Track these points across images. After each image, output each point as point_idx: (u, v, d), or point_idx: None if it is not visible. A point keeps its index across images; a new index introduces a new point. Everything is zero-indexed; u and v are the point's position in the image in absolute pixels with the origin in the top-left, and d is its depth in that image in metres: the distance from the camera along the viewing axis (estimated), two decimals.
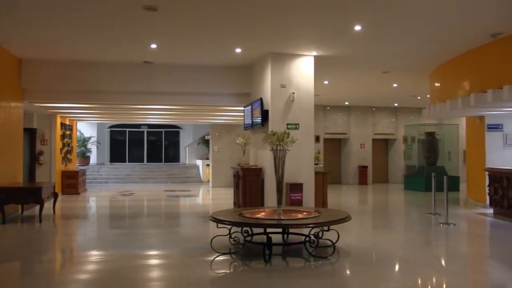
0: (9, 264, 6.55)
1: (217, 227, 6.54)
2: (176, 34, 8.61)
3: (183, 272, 5.80)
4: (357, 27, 8.02)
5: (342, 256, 6.41)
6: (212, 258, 6.22)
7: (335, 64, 10.90)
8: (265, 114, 9.93)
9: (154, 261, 6.54)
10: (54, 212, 10.58)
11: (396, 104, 19.85)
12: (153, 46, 9.32)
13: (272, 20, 7.69)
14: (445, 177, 9.35)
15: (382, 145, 21.15)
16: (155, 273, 5.89)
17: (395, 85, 14.13)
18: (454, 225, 8.88)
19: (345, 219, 6.54)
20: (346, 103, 19.46)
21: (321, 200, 10.53)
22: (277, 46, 9.42)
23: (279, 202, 6.84)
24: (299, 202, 9.48)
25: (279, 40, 9.00)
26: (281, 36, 8.71)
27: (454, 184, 15.32)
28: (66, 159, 15.97)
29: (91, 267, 6.21)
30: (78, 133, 19.80)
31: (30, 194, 9.61)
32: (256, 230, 6.60)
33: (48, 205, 10.28)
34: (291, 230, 7.05)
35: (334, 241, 6.54)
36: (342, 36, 8.69)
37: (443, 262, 6.56)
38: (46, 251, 7.50)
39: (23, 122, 11.05)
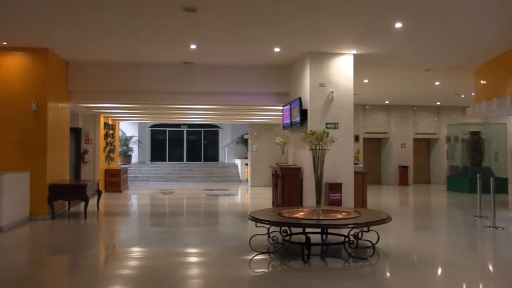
0: (59, 257, 6.89)
1: (256, 226, 6.56)
2: (215, 34, 8.68)
3: (222, 271, 5.84)
4: (398, 24, 7.86)
5: (382, 257, 6.31)
6: (250, 257, 6.24)
7: (375, 62, 10.73)
8: (304, 114, 9.88)
9: (193, 259, 6.62)
10: (98, 209, 10.88)
11: (438, 103, 19.37)
12: (193, 46, 9.43)
13: (311, 18, 7.64)
14: (491, 178, 9.05)
15: (424, 145, 20.70)
16: (194, 271, 5.96)
17: (437, 83, 13.79)
18: (503, 228, 8.52)
19: (385, 220, 6.43)
20: (386, 102, 19.14)
21: (360, 201, 10.40)
22: (316, 45, 9.36)
23: (318, 202, 6.80)
24: (338, 202, 9.39)
25: (318, 39, 8.93)
26: (320, 35, 8.65)
27: (501, 185, 14.77)
28: (109, 158, 16.36)
29: (133, 263, 6.35)
30: (120, 132, 20.24)
31: (76, 191, 9.94)
32: (294, 229, 6.58)
33: (92, 202, 10.56)
34: (330, 230, 7.00)
35: (374, 242, 6.45)
36: (382, 34, 8.55)
37: (490, 267, 6.35)
38: (91, 246, 7.72)
39: (70, 122, 11.39)
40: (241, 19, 7.71)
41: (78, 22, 7.85)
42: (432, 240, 8.05)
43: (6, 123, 9.29)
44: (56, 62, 10.11)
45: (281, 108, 11.55)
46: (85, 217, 9.75)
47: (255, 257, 6.25)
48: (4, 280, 5.47)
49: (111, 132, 16.74)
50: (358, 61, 10.06)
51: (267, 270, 5.90)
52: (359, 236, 6.31)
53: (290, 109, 10.57)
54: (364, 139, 19.49)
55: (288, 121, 10.77)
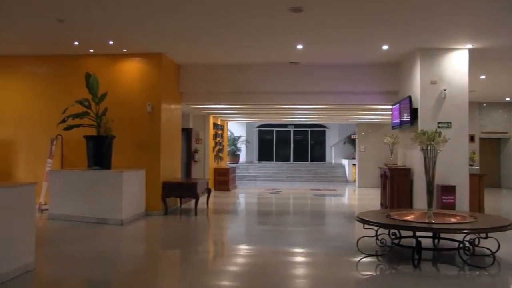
0: (171, 251, 7.31)
1: (364, 228, 6.43)
2: (321, 34, 8.64)
3: (328, 271, 5.80)
4: None
5: (504, 268, 5.83)
6: (357, 259, 6.13)
7: (495, 56, 9.97)
8: (414, 113, 9.50)
9: (299, 259, 6.64)
10: (207, 207, 11.32)
11: None
12: (299, 46, 9.46)
13: (422, 13, 7.30)
14: None
15: None
16: (300, 271, 5.98)
17: None
18: None
19: (507, 226, 5.95)
20: (507, 98, 17.68)
21: (476, 205, 9.75)
22: (427, 40, 8.93)
23: (430, 204, 6.50)
24: (451, 206, 8.89)
25: (429, 34, 8.51)
26: (431, 30, 8.23)
27: None
28: (218, 157, 16.97)
29: (240, 260, 6.52)
30: (229, 132, 20.90)
31: (187, 189, 10.43)
32: (404, 233, 6.35)
33: (202, 199, 11.00)
34: (442, 235, 6.65)
35: (493, 250, 6.00)
36: (502, 25, 7.91)
37: None
38: (201, 242, 8.08)
39: (181, 122, 11.99)
40: (347, 17, 7.59)
41: (189, 28, 8.24)
42: None
43: (126, 124, 10.00)
44: (168, 65, 10.70)
45: (390, 107, 11.19)
46: (196, 214, 10.19)
47: (362, 260, 6.12)
48: (124, 270, 5.99)
49: (220, 132, 17.34)
50: (474, 56, 9.43)
51: (375, 274, 5.76)
52: (476, 243, 5.91)
53: (400, 108, 10.21)
54: (481, 139, 18.18)
55: (397, 121, 10.42)
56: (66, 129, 9.25)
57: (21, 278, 5.16)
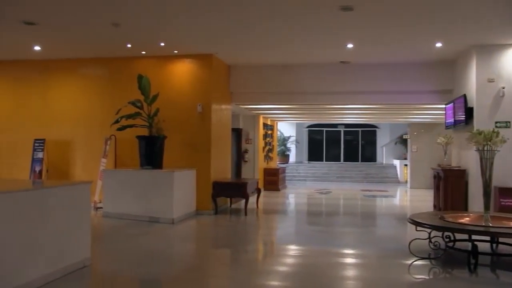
0: (221, 250, 7.42)
1: (416, 230, 6.28)
2: (372, 32, 8.48)
3: (380, 274, 5.70)
4: None
5: None
6: (410, 262, 5.99)
7: None
8: (469, 112, 9.17)
9: (349, 260, 6.56)
10: (257, 206, 11.36)
11: None
12: (350, 46, 9.34)
13: (477, 8, 7.03)
14: None
15: None
16: (350, 272, 5.91)
17: None
18: None
19: None
20: None
21: None
22: (483, 37, 8.58)
23: (487, 207, 6.25)
24: (510, 209, 8.53)
25: (485, 29, 8.17)
26: (487, 25, 7.91)
27: None
28: (267, 157, 17.01)
29: (289, 260, 6.52)
30: (278, 132, 20.91)
31: (237, 189, 10.51)
32: (458, 236, 6.15)
33: (252, 199, 11.06)
34: (501, 240, 6.38)
35: None
36: None
37: None
38: (250, 242, 8.12)
39: (231, 122, 12.09)
40: (399, 15, 7.41)
41: (239, 29, 8.32)
42: None
43: (177, 124, 10.19)
44: (219, 66, 10.82)
45: (443, 106, 10.87)
46: (245, 214, 10.25)
47: (414, 262, 5.98)
48: (175, 267, 6.13)
49: (269, 132, 17.37)
50: None
51: (427, 277, 5.61)
52: None
53: (454, 107, 9.90)
54: None
55: (452, 120, 10.10)
56: (119, 129, 9.53)
57: (78, 272, 5.37)
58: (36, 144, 10.87)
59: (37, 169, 10.77)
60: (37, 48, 9.79)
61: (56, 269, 5.10)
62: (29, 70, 11.19)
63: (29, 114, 11.16)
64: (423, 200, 13.23)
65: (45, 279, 4.90)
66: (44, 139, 10.87)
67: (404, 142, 20.80)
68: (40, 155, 10.80)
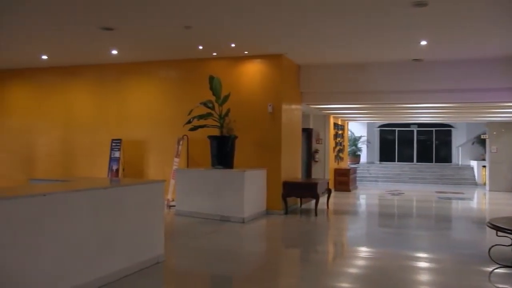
0: (292, 249, 7.47)
1: (496, 235, 5.97)
2: (447, 28, 8.14)
3: (456, 280, 5.48)
4: None
5: None
6: (490, 269, 5.70)
7: None
8: None
9: (423, 264, 6.35)
10: (327, 207, 11.26)
11: None
12: (423, 43, 9.03)
13: None
14: None
15: None
16: (424, 277, 5.72)
17: None
18: None
19: None
20: None
21: None
22: None
23: None
24: None
25: None
26: None
27: None
28: (338, 158, 16.82)
29: (360, 262, 6.42)
30: (349, 132, 20.62)
31: (308, 189, 10.47)
32: None
33: (322, 200, 10.97)
34: None
35: None
36: None
37: None
38: (321, 242, 8.08)
39: (301, 122, 12.07)
40: (475, 9, 7.07)
41: (309, 28, 8.26)
42: None
43: (248, 124, 10.32)
44: (289, 66, 10.83)
45: None
46: (316, 214, 10.19)
47: (496, 270, 5.68)
48: (246, 265, 6.21)
49: (340, 132, 17.17)
50: None
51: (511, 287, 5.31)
52: None
53: None
54: None
55: None
56: (191, 129, 9.79)
57: (152, 268, 5.58)
58: (113, 144, 11.42)
59: (114, 167, 11.31)
60: (114, 52, 10.27)
61: (131, 264, 5.33)
62: (107, 73, 11.80)
63: (107, 116, 11.76)
64: (503, 204, 12.61)
65: (121, 273, 5.13)
66: (120, 139, 11.39)
67: (482, 142, 19.85)
68: (117, 154, 11.33)
